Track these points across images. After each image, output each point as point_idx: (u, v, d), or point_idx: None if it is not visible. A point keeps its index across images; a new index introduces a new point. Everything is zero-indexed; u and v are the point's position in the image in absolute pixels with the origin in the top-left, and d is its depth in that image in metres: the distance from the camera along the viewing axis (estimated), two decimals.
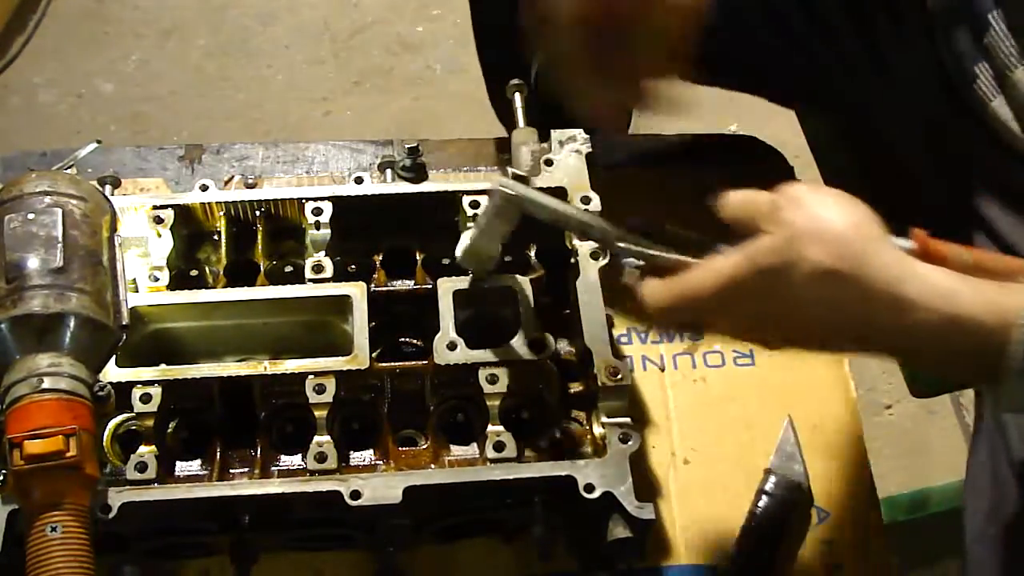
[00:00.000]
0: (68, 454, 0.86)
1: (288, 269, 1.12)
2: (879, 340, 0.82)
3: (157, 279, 1.06)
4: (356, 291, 1.03)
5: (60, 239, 0.95)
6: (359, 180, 1.13)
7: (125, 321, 0.99)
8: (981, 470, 1.12)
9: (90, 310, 0.94)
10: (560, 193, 1.10)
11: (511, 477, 0.95)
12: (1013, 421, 1.05)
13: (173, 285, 1.07)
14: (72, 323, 0.93)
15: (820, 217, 0.81)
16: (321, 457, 0.96)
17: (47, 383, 0.89)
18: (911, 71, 1.14)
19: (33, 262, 0.94)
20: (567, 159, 1.13)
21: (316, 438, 0.97)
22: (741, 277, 0.82)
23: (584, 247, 1.06)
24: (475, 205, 1.09)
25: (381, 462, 1.01)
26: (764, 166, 1.37)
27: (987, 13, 1.06)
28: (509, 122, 1.36)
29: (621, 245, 0.91)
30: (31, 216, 0.97)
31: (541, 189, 1.02)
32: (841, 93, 1.22)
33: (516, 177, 0.98)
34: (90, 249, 0.98)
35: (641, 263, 0.92)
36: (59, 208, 0.98)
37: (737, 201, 0.87)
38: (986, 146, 1.10)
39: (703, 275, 0.84)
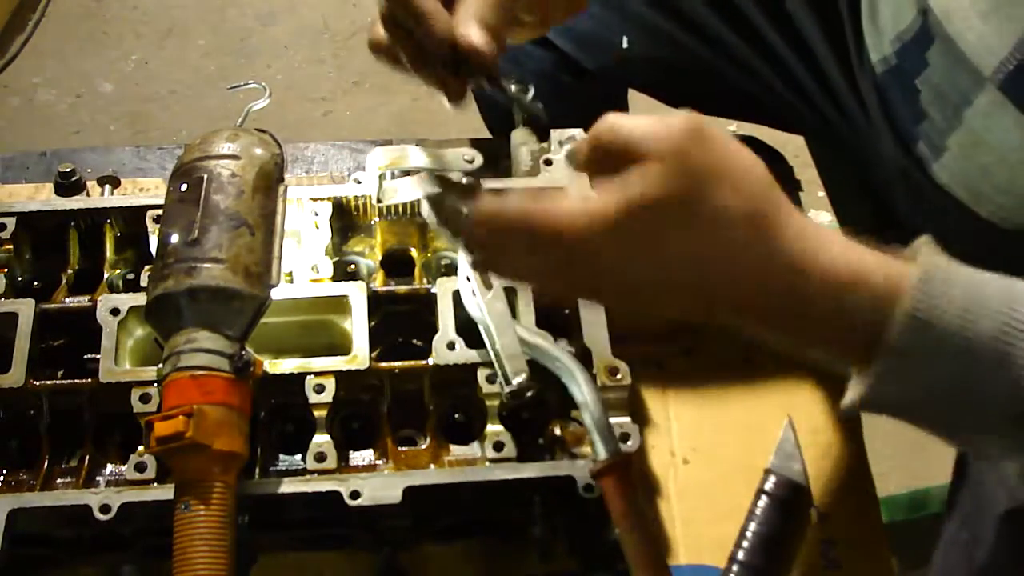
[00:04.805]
0: (187, 435, 0.85)
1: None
2: (762, 298, 0.71)
3: None
4: (356, 291, 1.03)
5: (199, 209, 0.95)
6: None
7: (274, 280, 0.97)
8: (954, 550, 1.02)
9: (221, 279, 0.92)
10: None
11: (511, 477, 0.95)
12: (995, 476, 0.97)
13: None
14: (203, 296, 0.91)
15: (730, 157, 0.70)
16: (321, 457, 0.95)
17: (182, 361, 0.89)
18: (878, 117, 1.08)
19: (175, 238, 0.94)
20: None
21: (316, 438, 0.97)
22: (617, 217, 0.69)
23: None
24: None
25: (381, 462, 1.01)
26: None
27: (913, 79, 0.99)
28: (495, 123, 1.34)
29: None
30: (184, 188, 0.97)
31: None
32: (833, 129, 1.19)
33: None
34: (231, 212, 0.95)
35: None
36: (205, 174, 0.97)
37: (607, 128, 0.73)
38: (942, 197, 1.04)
39: (568, 209, 0.71)
